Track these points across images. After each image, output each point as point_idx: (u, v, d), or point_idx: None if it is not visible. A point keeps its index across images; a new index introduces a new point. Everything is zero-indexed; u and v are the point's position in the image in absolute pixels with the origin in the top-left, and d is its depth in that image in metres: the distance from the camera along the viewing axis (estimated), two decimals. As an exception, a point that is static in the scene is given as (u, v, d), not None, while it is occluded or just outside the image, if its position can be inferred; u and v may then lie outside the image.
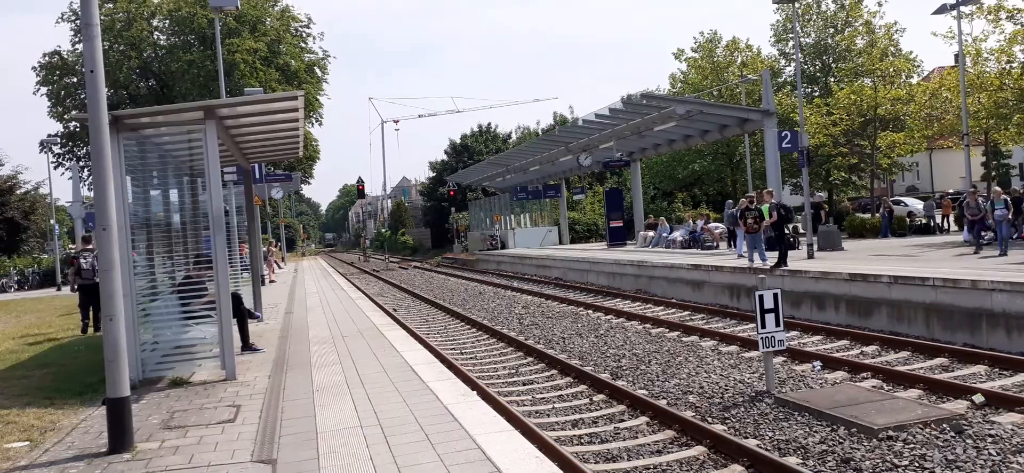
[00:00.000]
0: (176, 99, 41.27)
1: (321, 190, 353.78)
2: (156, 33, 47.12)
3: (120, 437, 5.98)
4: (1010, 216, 17.05)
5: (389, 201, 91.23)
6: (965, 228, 21.43)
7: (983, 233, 18.83)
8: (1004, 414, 7.93)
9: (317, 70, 49.26)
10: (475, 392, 8.03)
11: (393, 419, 6.43)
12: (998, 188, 17.64)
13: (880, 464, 6.67)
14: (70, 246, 22.05)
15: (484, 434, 5.78)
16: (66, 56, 46.37)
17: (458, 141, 70.22)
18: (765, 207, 18.03)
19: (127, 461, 5.76)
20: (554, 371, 11.78)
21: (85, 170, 47.39)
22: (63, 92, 46.45)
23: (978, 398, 8.39)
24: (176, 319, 9.53)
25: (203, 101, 10.41)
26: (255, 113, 10.25)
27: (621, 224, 35.01)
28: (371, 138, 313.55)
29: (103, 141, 6.07)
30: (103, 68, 6.15)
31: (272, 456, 5.63)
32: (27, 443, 6.50)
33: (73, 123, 47.82)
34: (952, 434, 7.28)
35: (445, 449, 5.45)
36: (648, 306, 19.07)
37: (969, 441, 7.04)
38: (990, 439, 7.05)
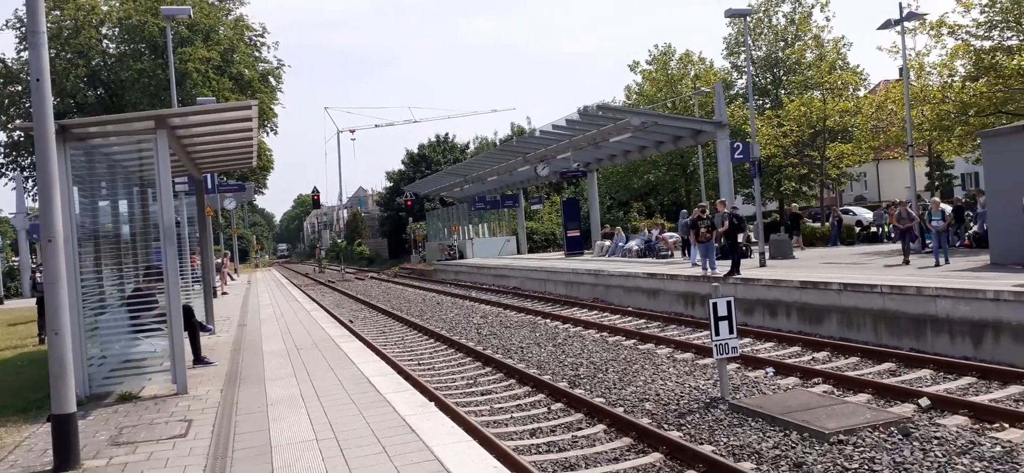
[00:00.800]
0: (126, 108, 40.39)
1: (275, 201, 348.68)
2: (105, 41, 46.09)
3: (66, 455, 5.81)
4: (946, 226, 17.08)
5: (345, 211, 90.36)
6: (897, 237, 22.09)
7: (912, 242, 19.31)
8: (949, 417, 8.16)
9: (271, 79, 48.70)
10: (433, 403, 7.97)
11: (349, 432, 6.36)
12: (936, 199, 17.55)
13: (831, 467, 6.82)
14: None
15: (442, 445, 5.75)
16: (10, 64, 45.08)
17: (415, 151, 69.95)
18: (718, 216, 18.36)
19: (73, 479, 5.60)
20: (512, 380, 11.79)
21: (29, 181, 46.06)
22: (7, 100, 45.13)
23: (924, 401, 8.63)
24: (125, 332, 9.30)
25: (154, 110, 10.21)
26: (207, 123, 10.08)
27: (578, 234, 35.23)
28: (327, 148, 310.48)
29: (49, 151, 5.92)
30: (49, 77, 6.00)
31: (225, 471, 5.52)
32: (-33, 462, 6.28)
33: (17, 132, 46.45)
34: (900, 437, 7.47)
35: (402, 461, 5.41)
36: (605, 315, 19.21)
37: (916, 443, 7.23)
38: (936, 441, 7.25)
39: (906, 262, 17.13)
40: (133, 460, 6.01)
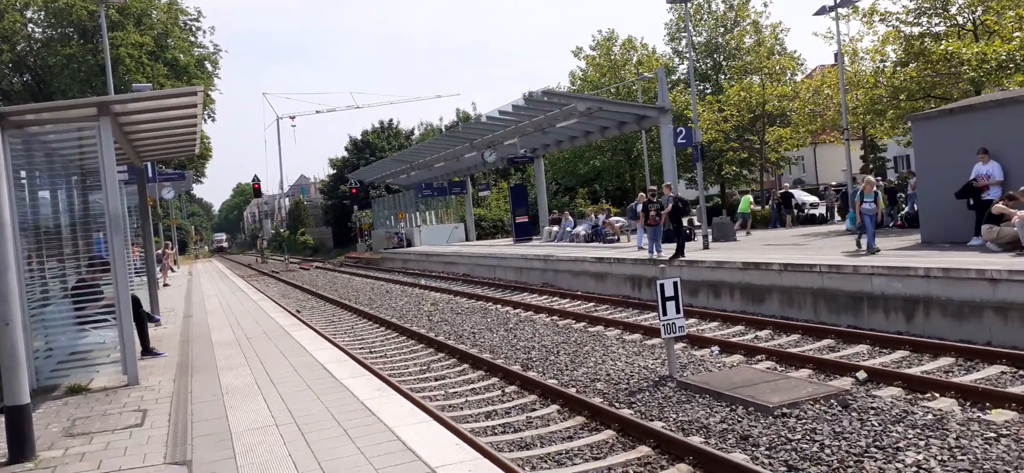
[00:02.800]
0: (54, 95, 38.99)
1: (214, 190, 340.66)
2: (30, 25, 44.29)
3: (21, 446, 5.71)
4: (876, 208, 15.06)
5: (287, 200, 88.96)
6: (847, 218, 22.89)
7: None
8: (884, 388, 8.59)
9: (208, 65, 47.59)
10: (390, 387, 8.03)
11: (309, 416, 6.40)
12: (869, 178, 16.44)
13: (776, 439, 7.12)
14: None
15: (402, 426, 5.84)
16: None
17: (359, 138, 69.14)
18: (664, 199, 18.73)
19: (30, 470, 5.52)
20: (466, 365, 11.90)
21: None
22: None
23: (861, 375, 9.04)
24: (71, 324, 9.11)
25: (96, 97, 9.97)
26: (151, 109, 9.88)
27: (526, 219, 35.45)
28: (266, 135, 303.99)
29: (-7, 138, 5.77)
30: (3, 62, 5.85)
31: (186, 457, 5.51)
32: (-88, 460, 6.10)
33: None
34: (839, 408, 7.84)
35: (364, 442, 5.48)
36: (555, 299, 19.46)
37: (854, 414, 7.60)
38: (872, 411, 7.64)
39: (870, 251, 14.80)
40: (90, 450, 5.95)
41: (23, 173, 9.39)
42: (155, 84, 37.67)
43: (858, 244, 15.68)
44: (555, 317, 16.09)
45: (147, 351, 10.32)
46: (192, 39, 46.70)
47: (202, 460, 5.43)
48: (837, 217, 29.84)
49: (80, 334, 9.20)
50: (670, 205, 18.49)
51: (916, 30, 24.97)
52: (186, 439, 6.00)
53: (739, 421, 7.75)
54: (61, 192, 11.04)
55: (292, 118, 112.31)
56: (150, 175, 17.58)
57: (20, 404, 5.74)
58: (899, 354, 10.24)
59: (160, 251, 28.41)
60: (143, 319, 10.37)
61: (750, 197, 30.63)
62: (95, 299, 9.41)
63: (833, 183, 41.31)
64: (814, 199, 34.41)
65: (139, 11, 42.80)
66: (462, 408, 9.42)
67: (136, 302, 10.00)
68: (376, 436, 5.61)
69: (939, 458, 6.28)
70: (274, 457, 5.34)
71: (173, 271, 33.92)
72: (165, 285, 25.47)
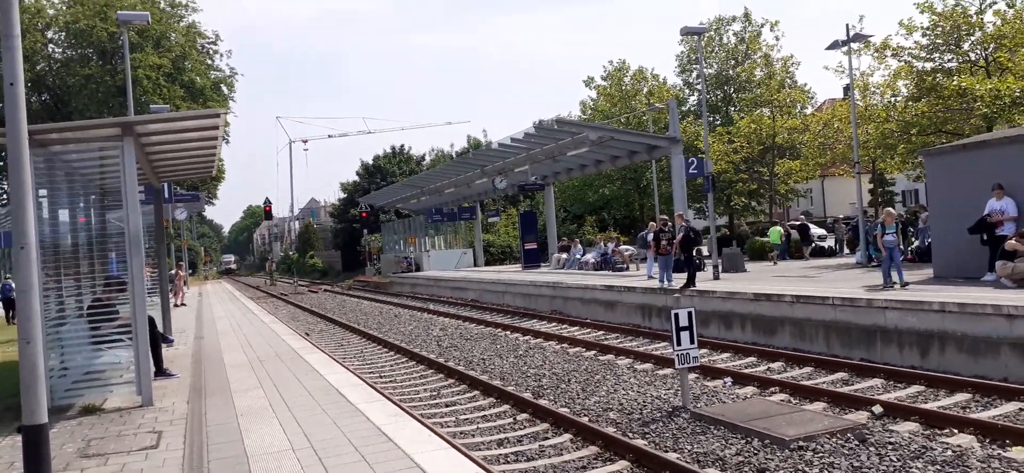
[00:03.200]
0: (72, 115, 39.39)
1: (225, 211, 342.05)
2: (50, 46, 44.91)
3: (37, 467, 5.69)
4: (897, 239, 14.70)
5: (297, 223, 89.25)
6: (857, 251, 22.84)
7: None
8: (901, 423, 8.52)
9: (223, 88, 48.10)
10: (405, 413, 8.01)
11: (325, 441, 6.39)
12: (890, 210, 15.70)
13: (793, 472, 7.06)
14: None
15: (421, 453, 5.82)
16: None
17: (370, 162, 69.57)
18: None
19: (46, 491, 5.51)
20: (476, 392, 11.86)
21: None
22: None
23: (877, 409, 8.98)
24: (86, 343, 9.14)
25: (120, 117, 10.09)
26: (173, 131, 9.99)
27: (535, 246, 35.46)
28: (278, 158, 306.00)
29: (23, 157, 5.83)
30: (23, 81, 5.92)
31: (203, 481, 5.51)
32: (-70, 476, 6.12)
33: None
34: (856, 442, 7.77)
35: (384, 468, 5.47)
36: (564, 327, 19.41)
37: (872, 449, 7.53)
38: (890, 446, 7.57)
39: (901, 285, 14.34)
40: (105, 471, 5.94)
41: (43, 191, 9.48)
42: (172, 106, 38.04)
43: (887, 278, 14.46)
44: (565, 345, 16.04)
45: (160, 372, 10.34)
46: (209, 62, 47.24)
47: (219, 483, 5.43)
48: (846, 250, 29.71)
49: (95, 354, 9.23)
50: (682, 234, 18.47)
51: (928, 65, 25.03)
52: (202, 463, 5.99)
53: (755, 454, 7.69)
54: (79, 211, 11.13)
55: (304, 142, 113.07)
56: (166, 196, 17.71)
57: (38, 424, 5.73)
58: (914, 389, 10.17)
59: (173, 272, 28.59)
60: (157, 340, 10.40)
61: (780, 228, 30.14)
62: (110, 318, 9.45)
63: (841, 216, 41.23)
64: (822, 232, 34.32)
65: (158, 33, 43.34)
66: (474, 435, 9.38)
67: (151, 323, 10.03)
68: (395, 462, 5.59)
69: (960, 496, 6.22)
70: (292, 481, 5.33)
71: (183, 290, 33.95)
72: (178, 305, 25.62)
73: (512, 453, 8.49)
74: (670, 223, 19.19)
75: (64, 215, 10.59)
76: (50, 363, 8.56)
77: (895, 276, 14.47)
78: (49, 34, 44.20)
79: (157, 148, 10.69)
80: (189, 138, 10.47)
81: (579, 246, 32.57)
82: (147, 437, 6.99)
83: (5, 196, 46.03)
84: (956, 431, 8.05)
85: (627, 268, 27.19)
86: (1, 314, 25.09)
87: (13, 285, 21.42)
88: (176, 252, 41.91)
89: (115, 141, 8.62)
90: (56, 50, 45.33)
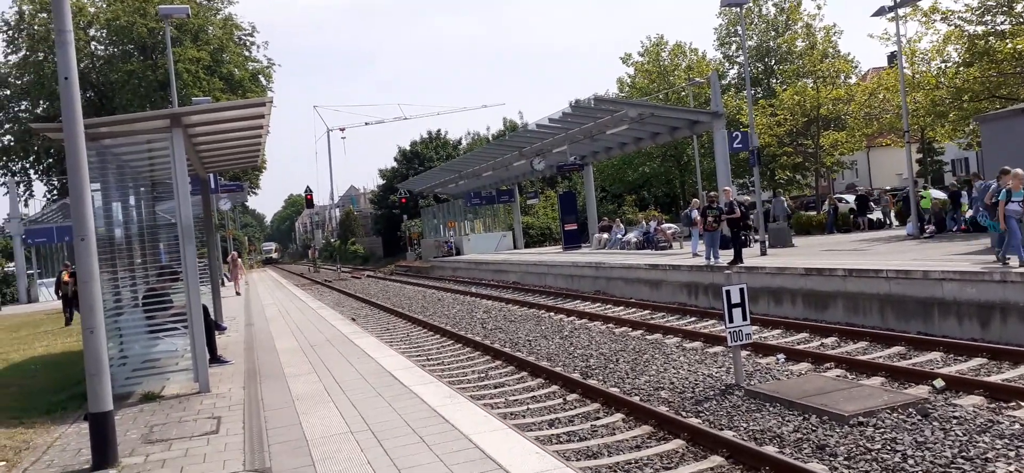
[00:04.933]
0: (116, 110, 40.22)
1: (266, 201, 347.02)
2: (93, 43, 45.85)
3: (104, 453, 5.84)
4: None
5: (337, 210, 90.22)
6: (908, 222, 22.30)
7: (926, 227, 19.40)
8: (964, 397, 8.29)
9: (262, 78, 48.65)
10: (459, 395, 8.01)
11: (383, 423, 6.42)
12: (1019, 172, 12.22)
13: (854, 449, 6.91)
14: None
15: (478, 433, 5.82)
16: (-1, 67, 44.82)
17: (408, 148, 69.84)
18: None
19: (114, 476, 5.64)
20: (524, 373, 11.84)
21: (21, 186, 45.77)
22: (-6, 104, 44.88)
23: (939, 383, 8.74)
24: (143, 332, 9.32)
25: (169, 109, 10.22)
26: (220, 120, 10.10)
27: (575, 227, 35.32)
28: (317, 147, 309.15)
29: (80, 151, 5.94)
30: (78, 75, 6.02)
31: (265, 465, 5.57)
32: (2, 464, 6.29)
33: (7, 137, 46.18)
34: (919, 417, 7.58)
35: (443, 450, 5.47)
36: (608, 307, 19.30)
37: (936, 423, 7.34)
38: (955, 421, 7.37)
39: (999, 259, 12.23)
40: (170, 457, 6.05)
41: (95, 185, 9.65)
42: (212, 98, 38.58)
43: (1001, 257, 12.16)
44: (611, 324, 15.95)
45: (215, 359, 10.51)
46: (247, 54, 47.79)
47: (281, 468, 5.48)
48: (895, 222, 29.02)
49: (152, 342, 9.41)
50: (738, 210, 18.13)
51: (980, 28, 24.20)
52: (263, 446, 6.06)
53: (813, 430, 7.54)
54: (131, 203, 11.33)
55: (342, 130, 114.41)
56: (212, 186, 17.97)
57: (104, 411, 5.87)
58: (976, 361, 9.89)
59: (230, 261, 29.19)
60: (211, 327, 10.57)
61: (932, 191, 27.30)
62: (164, 308, 9.62)
63: (887, 188, 40.29)
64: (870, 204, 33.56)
65: (196, 27, 43.95)
66: (525, 416, 9.36)
67: (205, 311, 10.19)
68: (453, 444, 5.60)
69: (1033, 470, 6.02)
70: (353, 464, 5.36)
71: (231, 281, 34.54)
72: (237, 293, 26.20)
73: (564, 433, 8.45)
74: (715, 199, 18.90)
75: (116, 208, 10.80)
76: (110, 352, 8.74)
77: (1012, 255, 11.82)
78: (91, 32, 45.12)
79: (204, 138, 10.82)
80: (235, 127, 10.57)
81: (620, 226, 32.33)
82: (207, 423, 7.10)
83: (55, 191, 47.28)
84: (1023, 404, 7.80)
85: (670, 246, 26.94)
86: (48, 305, 25.81)
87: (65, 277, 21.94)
88: (231, 242, 42.69)
89: (164, 133, 8.73)
90: (99, 47, 46.28)
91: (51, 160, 45.83)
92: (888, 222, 29.72)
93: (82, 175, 5.98)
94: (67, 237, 37.09)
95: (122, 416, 7.66)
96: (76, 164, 5.95)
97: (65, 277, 21.10)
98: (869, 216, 29.75)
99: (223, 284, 27.35)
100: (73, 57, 5.99)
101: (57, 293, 23.41)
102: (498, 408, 9.74)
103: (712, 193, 19.80)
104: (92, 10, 44.86)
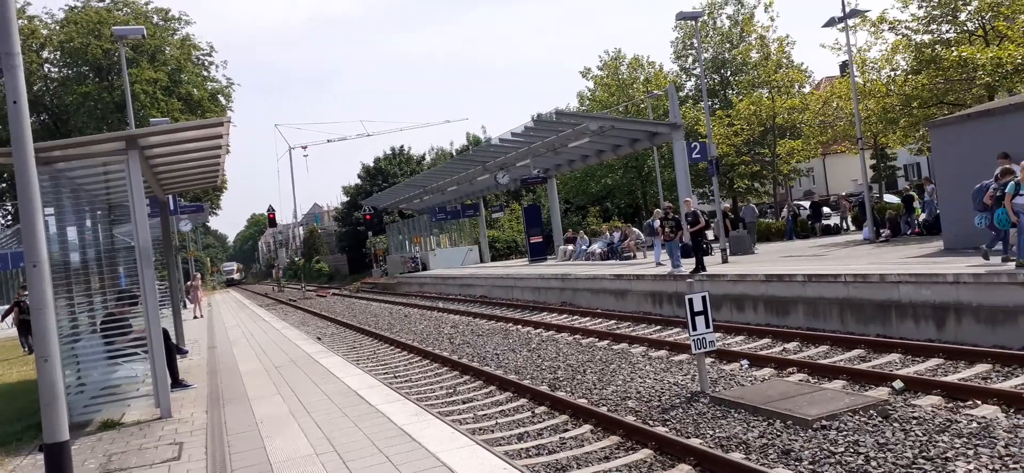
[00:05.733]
0: (71, 133, 39.42)
1: (228, 221, 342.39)
2: (46, 65, 44.91)
3: (61, 484, 5.67)
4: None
5: (301, 229, 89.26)
6: (864, 227, 22.75)
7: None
8: (923, 397, 8.47)
9: (221, 98, 48.02)
10: (426, 412, 7.96)
11: (349, 444, 6.35)
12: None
13: (818, 453, 7.01)
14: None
15: (446, 451, 5.78)
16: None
17: (371, 165, 69.50)
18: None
19: (72, 509, 5.48)
20: (492, 387, 11.81)
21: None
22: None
23: (898, 384, 8.92)
24: (102, 358, 9.12)
25: (124, 131, 10.04)
26: (177, 141, 9.94)
27: (541, 239, 35.44)
28: (279, 165, 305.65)
29: (30, 176, 5.79)
30: (27, 99, 5.88)
31: (229, 491, 5.47)
32: (-46, 499, 6.09)
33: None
34: (880, 419, 7.72)
35: (410, 469, 5.43)
36: (575, 318, 19.36)
37: (896, 424, 7.49)
38: (915, 421, 7.52)
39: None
40: (130, 486, 5.92)
41: (49, 209, 9.44)
42: (170, 118, 38.03)
43: (1001, 253, 11.96)
44: (578, 336, 16.00)
45: (176, 383, 10.31)
46: (205, 73, 47.21)
47: (246, 491, 5.39)
48: (850, 227, 29.61)
49: (111, 368, 9.20)
50: (702, 221, 18.36)
51: (926, 37, 24.92)
52: (226, 472, 5.96)
53: (778, 435, 7.64)
54: (87, 227, 11.10)
55: (304, 148, 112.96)
56: (172, 208, 17.69)
57: (60, 441, 5.70)
58: (933, 362, 10.11)
59: (190, 283, 28.56)
60: (172, 351, 10.38)
61: (911, 195, 27.20)
62: (124, 333, 9.42)
63: (843, 193, 41.06)
64: (826, 209, 34.19)
65: (153, 48, 43.31)
66: (494, 430, 9.33)
67: (165, 335, 10.00)
68: (421, 463, 5.56)
69: (990, 467, 6.17)
70: (319, 486, 5.29)
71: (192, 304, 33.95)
72: (197, 317, 25.65)
73: (534, 446, 8.44)
74: (673, 209, 19.12)
75: (71, 232, 10.57)
76: (67, 380, 8.53)
77: (1011, 253, 11.61)
78: (44, 54, 44.19)
79: (161, 160, 10.65)
80: (193, 148, 10.43)
81: (585, 237, 32.50)
82: (168, 449, 6.96)
83: (10, 217, 46.08)
84: (979, 402, 8.01)
85: (634, 257, 27.14)
86: (4, 333, 25.12)
87: (25, 301, 21.38)
88: (192, 263, 41.91)
89: (120, 155, 8.58)
90: (52, 70, 45.35)
91: (4, 185, 44.68)
92: (845, 227, 30.30)
93: (33, 200, 5.83)
94: (22, 263, 36.14)
95: (80, 445, 7.47)
96: (27, 189, 5.80)
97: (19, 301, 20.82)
98: (824, 222, 30.32)
99: (184, 307, 26.89)
100: (21, 80, 5.86)
101: (12, 321, 22.77)
102: (466, 424, 9.70)
103: (666, 204, 20.04)
104: (45, 32, 43.96)
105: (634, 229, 29.13)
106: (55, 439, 5.71)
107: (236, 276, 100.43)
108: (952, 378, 9.13)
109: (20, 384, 13.32)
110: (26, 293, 22.30)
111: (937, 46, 24.44)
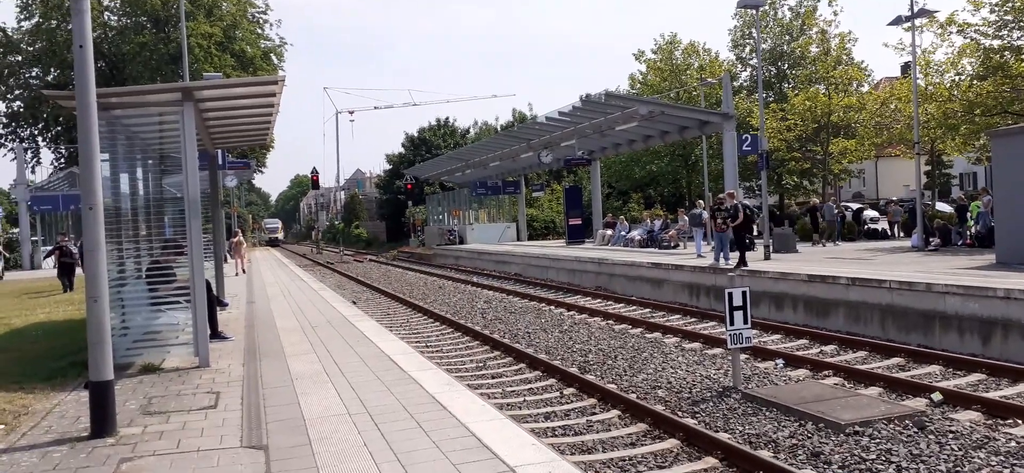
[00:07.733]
0: (127, 82, 40.27)
1: (272, 180, 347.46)
2: (107, 13, 45.87)
3: (103, 422, 5.87)
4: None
5: (343, 193, 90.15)
6: (913, 234, 22.23)
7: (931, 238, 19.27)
8: (962, 412, 8.29)
9: (273, 57, 48.58)
10: (458, 383, 8.03)
11: (381, 406, 6.45)
12: None
13: (849, 458, 6.92)
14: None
15: (475, 422, 5.84)
16: (10, 33, 44.83)
17: (415, 134, 69.74)
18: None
19: (112, 445, 5.66)
20: (523, 364, 11.87)
21: (28, 152, 45.90)
22: (6, 71, 44.89)
23: (937, 396, 8.74)
24: (146, 304, 9.36)
25: (181, 82, 10.23)
26: (232, 96, 10.11)
27: (580, 222, 35.30)
28: (325, 128, 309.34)
29: (91, 119, 5.96)
30: (92, 44, 6.03)
31: (262, 441, 5.60)
32: (1, 427, 6.33)
33: (16, 103, 46.28)
34: (915, 430, 7.58)
35: (439, 436, 5.50)
36: (609, 303, 19.30)
37: (932, 437, 7.34)
38: (951, 435, 7.37)
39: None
40: (168, 429, 6.09)
41: (104, 155, 9.67)
42: (223, 74, 38.61)
43: None
44: (611, 321, 15.96)
45: (215, 334, 10.54)
46: (259, 31, 47.78)
47: (278, 445, 5.51)
48: (899, 233, 28.92)
49: (154, 314, 9.45)
50: (742, 215, 18.09)
51: (996, 43, 24.09)
52: (260, 423, 6.09)
53: (809, 437, 7.56)
54: (138, 175, 11.36)
55: (351, 112, 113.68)
56: (220, 162, 18.00)
57: (105, 380, 5.90)
58: (975, 377, 9.89)
59: (234, 240, 29.02)
60: (213, 303, 10.61)
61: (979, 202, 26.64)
62: (168, 281, 9.66)
63: (894, 198, 40.15)
64: (875, 214, 33.42)
65: (210, 2, 43.94)
66: (521, 407, 9.39)
67: (208, 286, 10.22)
68: (450, 431, 5.62)
69: (1027, 488, 6.03)
70: (349, 446, 5.39)
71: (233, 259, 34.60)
72: (238, 273, 26.13)
73: (560, 426, 8.48)
74: (730, 197, 18.82)
75: (123, 180, 10.83)
76: (111, 322, 8.78)
77: None
78: (105, 1, 45.13)
79: (214, 114, 10.83)
80: (246, 104, 10.59)
81: (625, 223, 32.30)
82: (206, 397, 7.13)
83: (63, 160, 47.37)
84: (1020, 422, 7.81)
85: (674, 246, 26.91)
86: (51, 273, 25.89)
87: (66, 246, 21.97)
88: (235, 219, 42.66)
89: (176, 106, 8.74)
90: (112, 18, 46.31)
91: (60, 128, 45.92)
92: (894, 233, 29.62)
93: (93, 144, 6.00)
94: (72, 205, 37.11)
95: (121, 386, 7.69)
96: (87, 133, 5.96)
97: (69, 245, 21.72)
98: (873, 226, 29.69)
99: (226, 261, 27.43)
100: (88, 26, 6.00)
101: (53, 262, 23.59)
102: (495, 398, 9.78)
103: (720, 195, 19.73)
104: (107, -20, 44.95)
105: (685, 216, 28.66)
106: (100, 378, 5.91)
107: (279, 235, 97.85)
108: (994, 395, 8.91)
109: (65, 322, 13.75)
110: (65, 239, 23.01)
111: (1006, 53, 23.62)
